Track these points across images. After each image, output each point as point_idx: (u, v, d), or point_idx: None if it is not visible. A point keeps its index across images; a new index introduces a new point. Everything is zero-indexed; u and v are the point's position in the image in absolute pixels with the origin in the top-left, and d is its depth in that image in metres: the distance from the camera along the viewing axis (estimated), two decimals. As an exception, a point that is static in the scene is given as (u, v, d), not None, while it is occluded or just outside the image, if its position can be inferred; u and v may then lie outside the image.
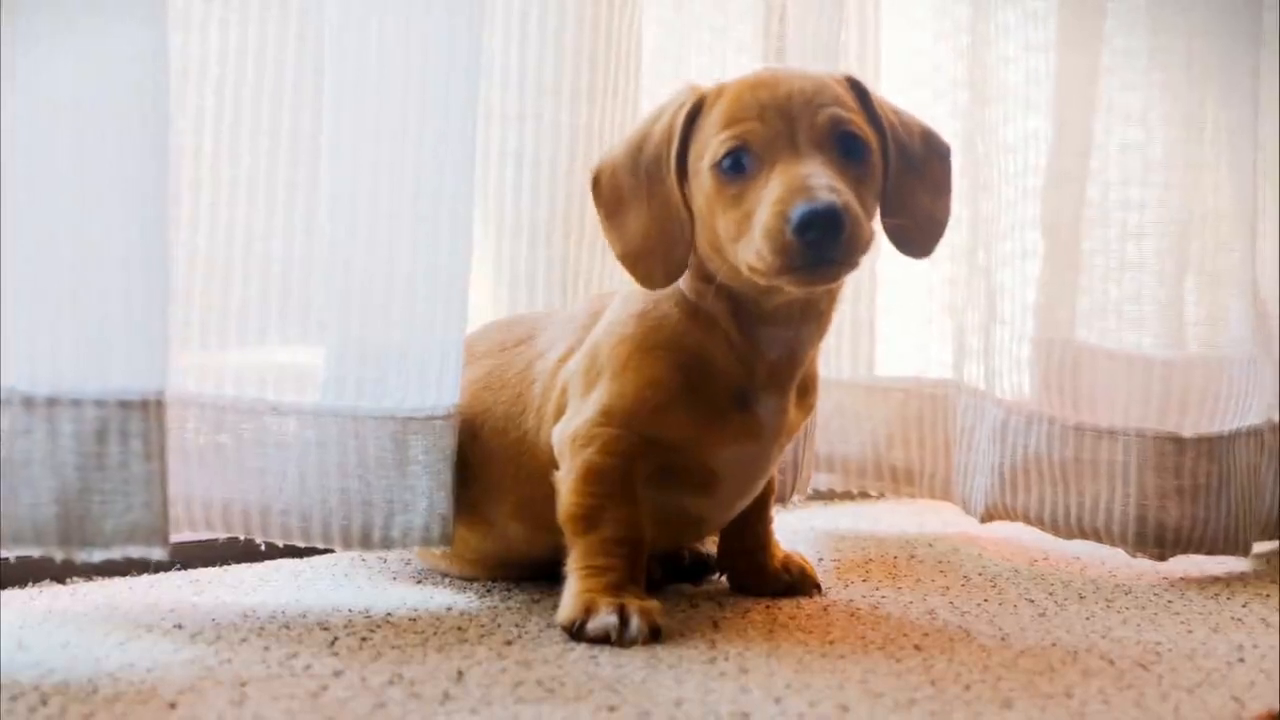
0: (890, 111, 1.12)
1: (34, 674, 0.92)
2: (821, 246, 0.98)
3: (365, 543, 1.14)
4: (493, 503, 1.17)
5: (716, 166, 1.04)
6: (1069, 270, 1.46)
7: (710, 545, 1.29)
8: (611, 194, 1.10)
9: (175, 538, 1.25)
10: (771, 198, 1.00)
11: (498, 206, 1.37)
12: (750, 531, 1.23)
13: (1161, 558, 1.39)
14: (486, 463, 1.17)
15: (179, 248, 1.12)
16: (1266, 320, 1.51)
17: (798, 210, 0.97)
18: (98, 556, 0.97)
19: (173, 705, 0.86)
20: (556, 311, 1.28)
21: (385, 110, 1.12)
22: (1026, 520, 1.44)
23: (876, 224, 1.09)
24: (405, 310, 1.14)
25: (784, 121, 1.03)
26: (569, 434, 1.10)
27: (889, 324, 1.65)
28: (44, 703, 0.86)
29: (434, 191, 1.13)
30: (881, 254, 1.60)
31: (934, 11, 1.59)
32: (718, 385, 1.09)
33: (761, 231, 0.99)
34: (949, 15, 1.56)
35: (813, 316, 1.11)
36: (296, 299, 1.15)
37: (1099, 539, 1.40)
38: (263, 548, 1.20)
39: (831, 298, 1.12)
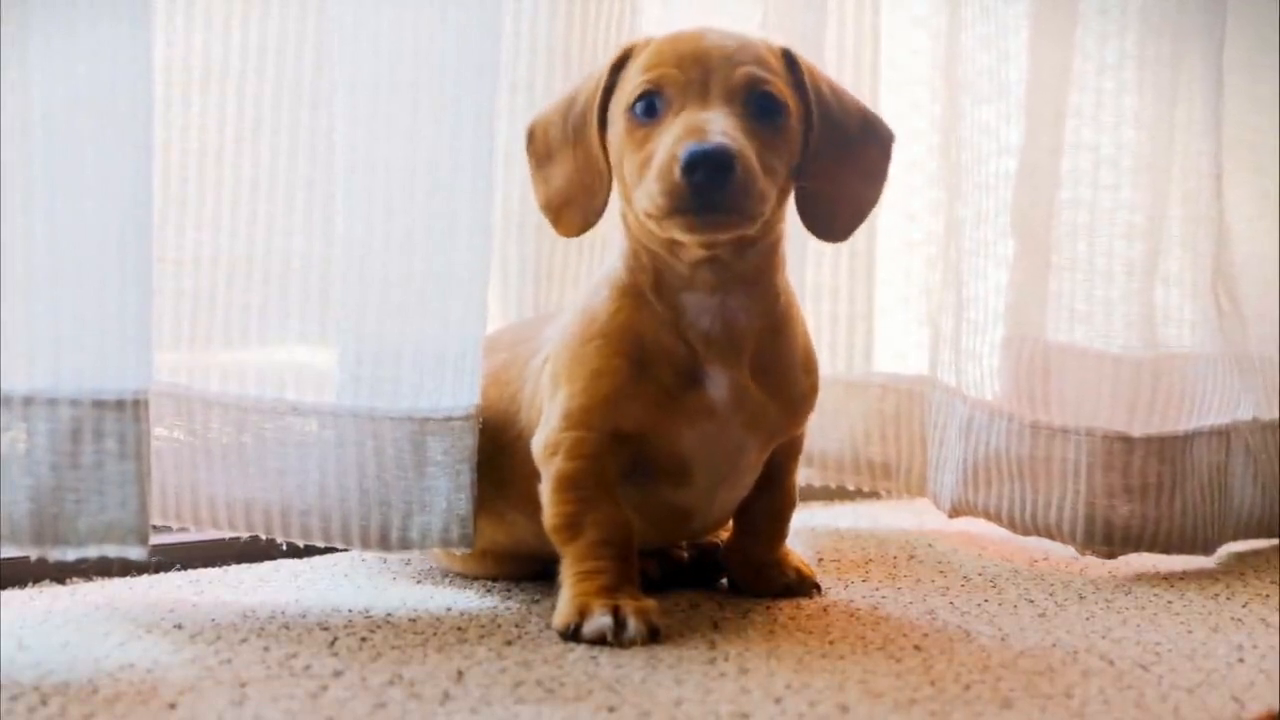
0: (826, 87, 1.12)
1: (34, 674, 0.92)
2: (708, 190, 0.98)
3: (384, 544, 1.14)
4: (500, 494, 1.17)
5: (629, 109, 1.05)
6: (1040, 270, 1.45)
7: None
8: (543, 146, 1.13)
9: (179, 538, 1.26)
10: (668, 139, 1.01)
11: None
12: (762, 532, 1.22)
13: (1110, 555, 1.39)
14: (496, 455, 1.17)
15: (203, 248, 1.13)
16: (1249, 321, 1.50)
17: (686, 149, 0.98)
18: (71, 555, 0.97)
19: (173, 705, 0.86)
20: (560, 311, 1.28)
21: (398, 106, 1.12)
22: (988, 516, 1.44)
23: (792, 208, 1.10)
24: (421, 308, 1.13)
25: (700, 71, 1.04)
26: (540, 444, 1.11)
27: (881, 322, 1.64)
28: (44, 703, 0.86)
29: (450, 188, 1.12)
30: (879, 253, 1.62)
31: (932, 9, 1.58)
32: (661, 365, 1.09)
33: (655, 172, 1.01)
34: (944, 15, 1.56)
35: (738, 283, 1.09)
36: (315, 297, 1.16)
37: (1052, 536, 1.40)
38: (276, 543, 1.20)
39: (760, 264, 1.10)
